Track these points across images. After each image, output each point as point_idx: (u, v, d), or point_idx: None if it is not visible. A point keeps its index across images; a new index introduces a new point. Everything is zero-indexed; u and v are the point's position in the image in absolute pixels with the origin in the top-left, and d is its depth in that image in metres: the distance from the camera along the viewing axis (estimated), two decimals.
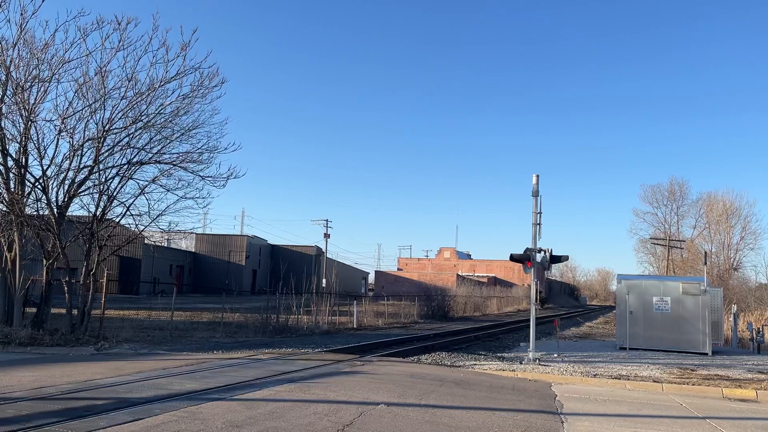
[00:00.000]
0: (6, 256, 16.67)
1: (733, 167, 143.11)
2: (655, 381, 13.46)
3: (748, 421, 9.78)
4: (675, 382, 13.29)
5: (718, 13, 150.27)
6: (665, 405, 10.88)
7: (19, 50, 16.01)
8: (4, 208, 16.42)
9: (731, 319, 25.31)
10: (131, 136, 17.36)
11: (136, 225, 18.16)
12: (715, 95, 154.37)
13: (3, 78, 15.91)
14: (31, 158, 16.58)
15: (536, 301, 16.83)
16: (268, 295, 25.14)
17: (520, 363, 15.69)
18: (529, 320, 16.73)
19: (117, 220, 18.31)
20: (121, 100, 16.98)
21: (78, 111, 16.62)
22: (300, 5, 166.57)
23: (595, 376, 13.94)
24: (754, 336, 21.85)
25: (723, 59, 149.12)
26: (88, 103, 16.65)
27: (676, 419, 9.56)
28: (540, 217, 16.50)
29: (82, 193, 17.26)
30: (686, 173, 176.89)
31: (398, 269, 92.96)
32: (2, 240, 16.53)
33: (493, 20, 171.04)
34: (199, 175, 18.10)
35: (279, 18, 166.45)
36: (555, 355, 17.74)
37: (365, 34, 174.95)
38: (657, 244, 69.97)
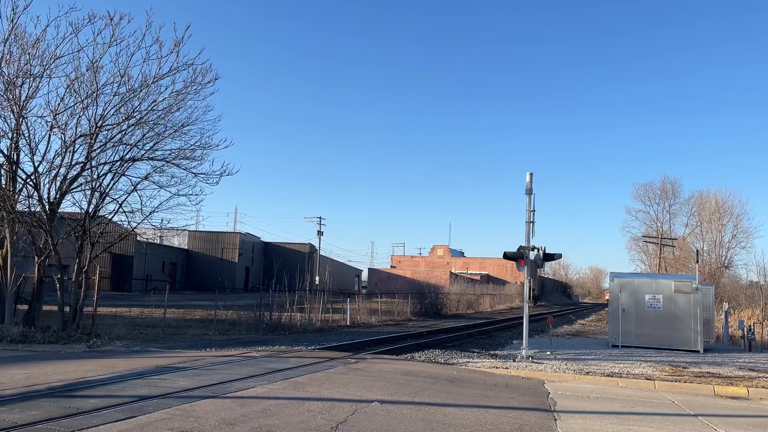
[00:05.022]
0: None
1: (726, 166, 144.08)
2: (647, 378, 13.52)
3: (739, 418, 9.84)
4: (667, 380, 13.35)
5: (711, 15, 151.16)
6: (657, 402, 10.93)
7: (9, 46, 15.89)
8: None
9: (722, 316, 25.46)
10: (124, 132, 17.25)
11: (129, 222, 18.05)
12: (707, 95, 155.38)
13: None
14: (22, 154, 16.47)
15: (529, 299, 16.85)
16: (261, 292, 25.06)
17: (513, 360, 15.72)
18: (521, 318, 16.76)
19: (109, 217, 18.19)
20: (114, 96, 16.86)
21: (70, 107, 16.50)
22: (295, 8, 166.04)
23: (587, 373, 13.99)
24: (745, 334, 21.99)
25: (716, 60, 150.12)
26: (79, 99, 16.53)
27: (668, 416, 9.61)
28: (533, 215, 16.51)
29: (74, 190, 17.14)
30: (678, 172, 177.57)
31: (391, 267, 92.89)
32: None
33: (487, 22, 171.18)
34: (192, 172, 18.01)
35: (275, 20, 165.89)
36: (548, 353, 17.79)
37: (359, 35, 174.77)
38: (649, 242, 70.33)
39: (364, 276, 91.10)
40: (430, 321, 34.05)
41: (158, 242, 57.17)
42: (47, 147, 16.66)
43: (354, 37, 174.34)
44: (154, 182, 17.78)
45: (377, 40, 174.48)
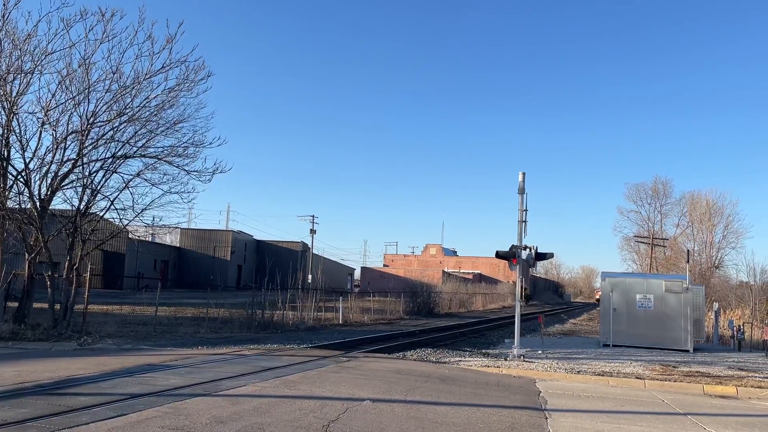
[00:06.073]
0: None
1: (718, 167, 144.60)
2: (637, 377, 13.60)
3: (728, 417, 9.92)
4: (657, 379, 13.43)
5: (701, 16, 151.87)
6: (647, 401, 11.00)
7: (0, 41, 15.79)
8: None
9: (713, 316, 25.65)
10: (116, 129, 17.16)
11: (120, 219, 17.95)
12: (701, 96, 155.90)
13: None
14: (13, 151, 16.33)
15: (521, 298, 16.91)
16: (254, 290, 25.01)
17: (505, 359, 15.77)
18: (513, 317, 16.82)
19: (101, 214, 18.09)
20: (106, 92, 16.78)
21: (61, 103, 16.41)
22: (295, 7, 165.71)
23: (578, 372, 14.06)
24: (735, 333, 22.16)
25: (711, 61, 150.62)
26: (71, 96, 16.43)
27: (658, 415, 9.68)
28: (526, 214, 16.57)
29: (66, 187, 17.04)
30: (670, 172, 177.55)
31: (384, 265, 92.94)
32: None
33: (480, 22, 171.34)
34: (185, 170, 17.95)
35: (265, 18, 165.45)
36: (539, 352, 17.86)
37: (359, 35, 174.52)
38: (641, 242, 70.64)
39: (357, 275, 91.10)
40: (422, 320, 34.08)
41: (150, 240, 56.91)
42: (38, 144, 16.58)
43: (354, 37, 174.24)
44: (146, 179, 17.72)
45: (377, 40, 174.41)
